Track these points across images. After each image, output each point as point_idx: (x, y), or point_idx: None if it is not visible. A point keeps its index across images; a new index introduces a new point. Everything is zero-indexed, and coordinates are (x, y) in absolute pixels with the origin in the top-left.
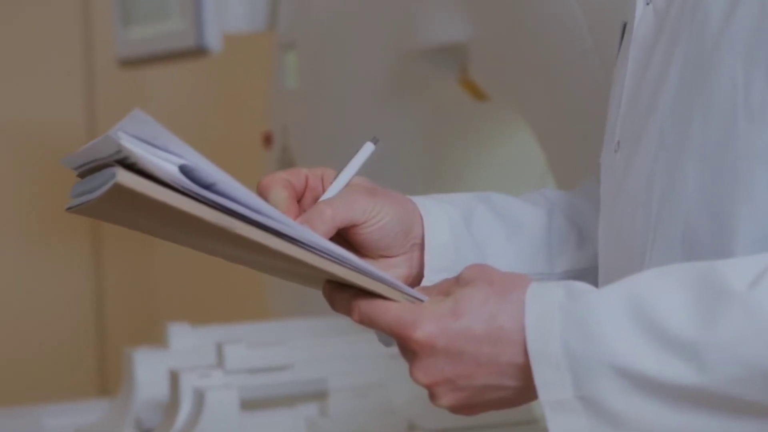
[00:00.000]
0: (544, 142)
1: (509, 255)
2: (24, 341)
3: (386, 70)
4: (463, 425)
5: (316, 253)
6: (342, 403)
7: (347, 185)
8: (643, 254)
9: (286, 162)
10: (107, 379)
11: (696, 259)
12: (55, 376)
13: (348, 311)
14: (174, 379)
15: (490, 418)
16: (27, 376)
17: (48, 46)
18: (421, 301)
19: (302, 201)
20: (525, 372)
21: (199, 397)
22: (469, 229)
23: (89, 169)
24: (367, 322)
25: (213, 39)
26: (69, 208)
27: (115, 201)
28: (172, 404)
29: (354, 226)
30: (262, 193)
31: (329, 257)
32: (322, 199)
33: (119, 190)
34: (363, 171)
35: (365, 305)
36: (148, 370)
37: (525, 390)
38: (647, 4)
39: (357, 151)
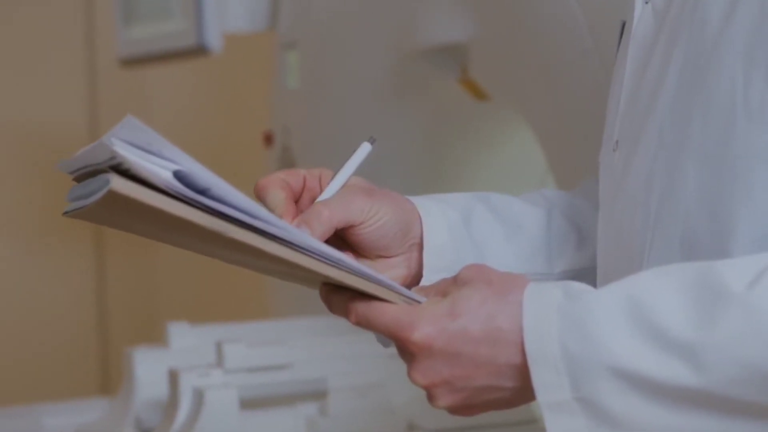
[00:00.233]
0: (545, 142)
1: (508, 255)
2: (26, 341)
3: (387, 70)
4: (462, 425)
5: (311, 257)
6: (342, 403)
7: (345, 185)
8: (642, 254)
9: (287, 162)
10: (109, 378)
11: (695, 259)
12: (57, 376)
13: (345, 313)
14: (173, 378)
15: (490, 418)
16: (29, 375)
17: (49, 45)
18: (419, 302)
19: (300, 202)
20: (523, 373)
21: (199, 397)
22: (468, 230)
23: (85, 173)
24: (365, 324)
25: (214, 39)
26: (66, 213)
27: (111, 206)
28: (171, 403)
29: (352, 226)
30: (260, 194)
31: (325, 260)
32: (319, 199)
33: (113, 196)
34: (364, 171)
35: (362, 307)
36: (148, 369)
37: (523, 391)
38: (646, 3)
39: (354, 152)
